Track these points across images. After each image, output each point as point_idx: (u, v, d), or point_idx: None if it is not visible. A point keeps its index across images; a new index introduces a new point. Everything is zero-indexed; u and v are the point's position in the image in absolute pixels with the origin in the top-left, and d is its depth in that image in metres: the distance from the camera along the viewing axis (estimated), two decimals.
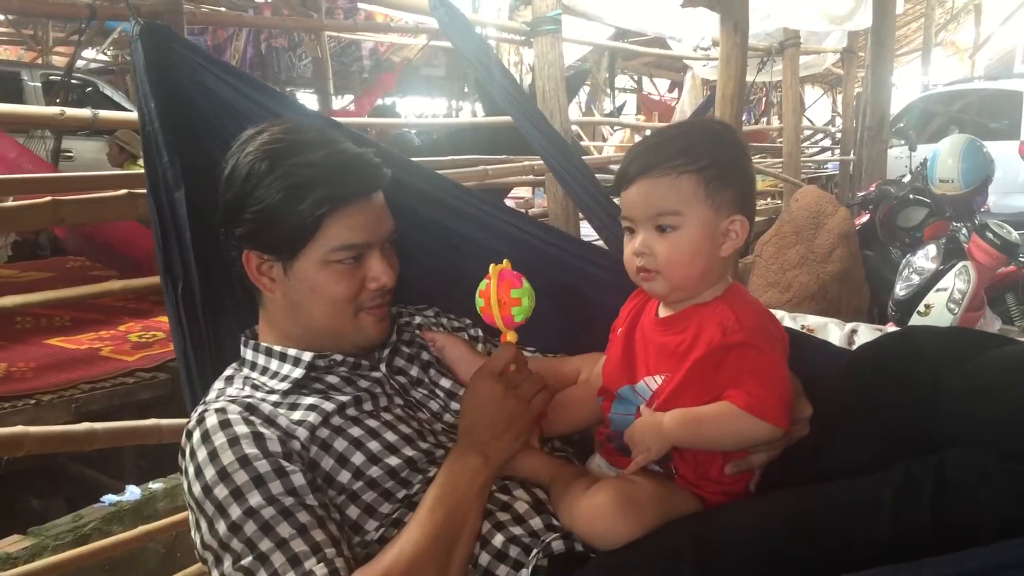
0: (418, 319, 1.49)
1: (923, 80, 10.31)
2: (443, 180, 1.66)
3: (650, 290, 1.19)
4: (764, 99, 13.65)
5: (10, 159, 4.76)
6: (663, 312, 1.21)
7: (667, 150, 1.14)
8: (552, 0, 3.32)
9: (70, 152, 6.90)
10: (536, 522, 1.14)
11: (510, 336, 1.23)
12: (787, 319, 2.37)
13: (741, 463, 1.15)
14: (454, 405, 1.37)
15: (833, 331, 2.25)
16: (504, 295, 1.20)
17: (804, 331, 2.30)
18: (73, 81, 6.09)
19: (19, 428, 1.67)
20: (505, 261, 1.24)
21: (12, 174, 4.73)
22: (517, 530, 1.13)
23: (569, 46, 4.92)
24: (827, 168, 10.82)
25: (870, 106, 5.87)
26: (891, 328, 2.27)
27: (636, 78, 16.38)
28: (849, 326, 2.26)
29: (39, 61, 8.92)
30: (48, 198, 1.73)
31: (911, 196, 4.47)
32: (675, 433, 1.10)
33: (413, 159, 1.86)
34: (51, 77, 7.72)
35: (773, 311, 2.51)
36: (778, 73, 7.07)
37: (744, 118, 4.04)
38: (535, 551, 1.10)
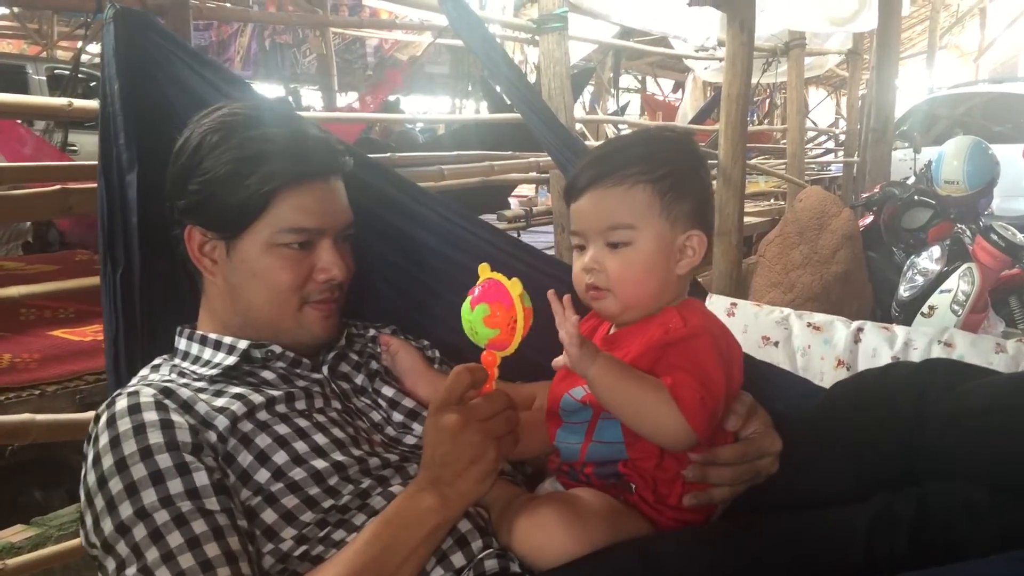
0: (372, 332, 1.41)
1: (928, 83, 10.30)
2: (405, 182, 1.59)
3: (599, 310, 1.13)
4: (768, 100, 13.62)
5: (26, 156, 4.74)
6: (613, 330, 1.16)
7: (620, 158, 1.09)
8: None
9: (74, 146, 6.89)
10: (478, 544, 1.03)
11: (498, 357, 1.00)
12: (793, 316, 2.37)
13: (701, 496, 1.08)
14: (396, 416, 1.28)
15: (839, 329, 2.25)
16: (527, 312, 0.98)
17: (811, 328, 2.30)
18: (79, 75, 6.09)
19: (26, 416, 1.67)
20: (485, 268, 1.02)
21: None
22: (458, 558, 1.02)
23: (574, 44, 4.91)
24: (830, 170, 10.80)
25: (875, 108, 5.86)
26: (896, 328, 2.27)
27: (640, 78, 16.36)
28: (855, 324, 2.26)
29: (43, 55, 8.93)
30: (57, 186, 1.73)
31: (915, 197, 4.46)
32: (604, 366, 0.99)
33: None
34: (56, 71, 7.72)
35: (779, 308, 2.51)
36: (782, 74, 7.06)
37: (748, 118, 4.03)
38: (466, 571, 1.00)
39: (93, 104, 2.38)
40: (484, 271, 1.01)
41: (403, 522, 0.98)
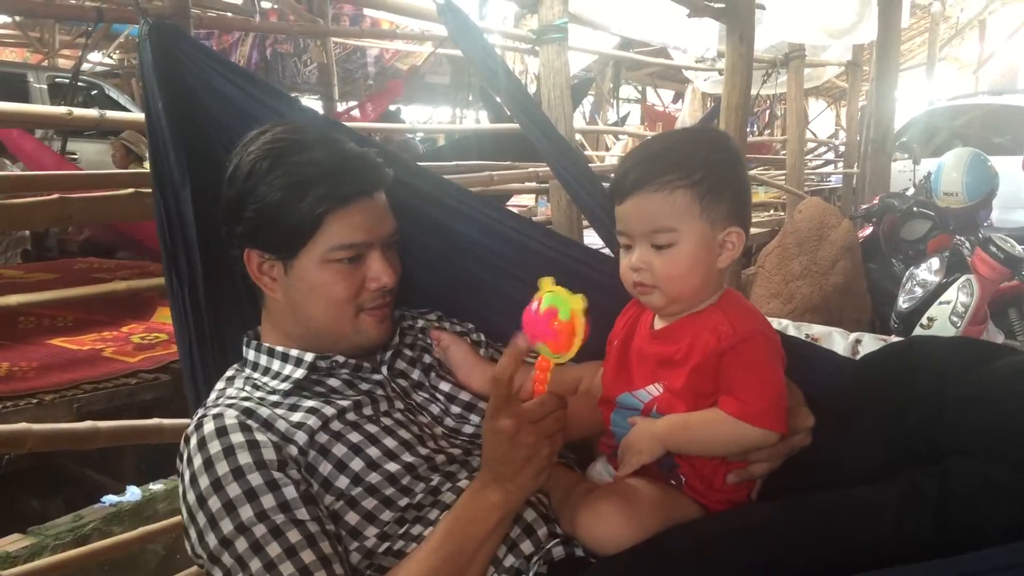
0: (421, 323, 1.48)
1: (927, 95, 10.31)
2: (447, 183, 1.65)
3: (647, 303, 1.19)
4: (768, 111, 13.65)
5: (27, 151, 4.84)
6: (658, 324, 1.21)
7: (660, 163, 1.13)
8: (559, 8, 3.32)
9: (74, 154, 6.91)
10: (543, 531, 1.13)
11: (552, 363, 1.05)
12: (791, 328, 2.37)
13: (743, 473, 1.16)
14: (454, 409, 1.37)
15: (837, 340, 2.25)
16: (586, 327, 1.02)
17: (809, 340, 2.30)
18: (79, 84, 6.11)
19: (22, 425, 1.67)
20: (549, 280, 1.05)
21: (31, 166, 4.85)
22: (527, 546, 1.11)
23: (574, 55, 4.93)
24: (830, 181, 10.82)
25: (874, 120, 5.88)
26: (895, 339, 2.27)
27: (640, 88, 16.41)
28: (853, 335, 2.26)
29: (45, 63, 8.95)
30: (56, 195, 1.73)
31: (915, 209, 4.47)
32: (666, 436, 1.11)
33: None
34: (57, 79, 7.74)
35: (777, 319, 2.52)
36: (782, 85, 7.08)
37: (747, 129, 4.04)
38: (535, 558, 1.09)
39: (93, 113, 2.39)
40: (546, 284, 1.04)
41: (471, 517, 1.07)
